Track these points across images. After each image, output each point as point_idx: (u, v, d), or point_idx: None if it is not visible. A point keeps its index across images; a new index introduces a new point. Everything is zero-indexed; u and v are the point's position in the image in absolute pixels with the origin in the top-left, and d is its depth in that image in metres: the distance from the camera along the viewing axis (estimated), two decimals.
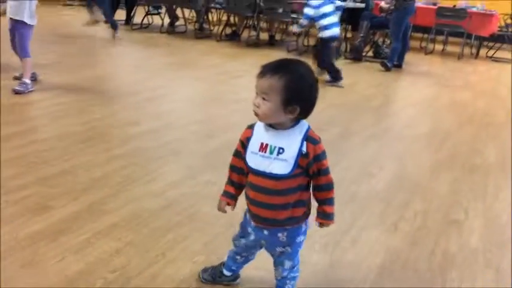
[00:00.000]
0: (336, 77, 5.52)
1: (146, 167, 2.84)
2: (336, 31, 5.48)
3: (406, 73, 6.79)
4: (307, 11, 5.41)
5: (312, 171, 1.51)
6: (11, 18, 4.01)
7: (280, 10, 7.58)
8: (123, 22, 8.60)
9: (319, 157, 1.50)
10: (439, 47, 9.16)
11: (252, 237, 1.66)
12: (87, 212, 2.28)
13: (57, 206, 2.31)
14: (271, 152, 1.49)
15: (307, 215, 1.60)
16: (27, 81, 4.12)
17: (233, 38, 8.24)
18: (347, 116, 4.35)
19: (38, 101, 3.95)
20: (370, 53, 7.81)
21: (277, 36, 8.52)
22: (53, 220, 2.18)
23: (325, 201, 1.59)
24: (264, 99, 1.44)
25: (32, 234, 2.06)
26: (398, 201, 2.71)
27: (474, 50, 9.02)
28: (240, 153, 1.58)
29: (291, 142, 1.48)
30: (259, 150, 1.51)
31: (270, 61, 1.48)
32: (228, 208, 1.65)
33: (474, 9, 8.47)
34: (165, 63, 6.06)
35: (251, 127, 1.57)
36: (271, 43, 8.16)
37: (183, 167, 2.83)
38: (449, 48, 9.20)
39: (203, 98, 4.71)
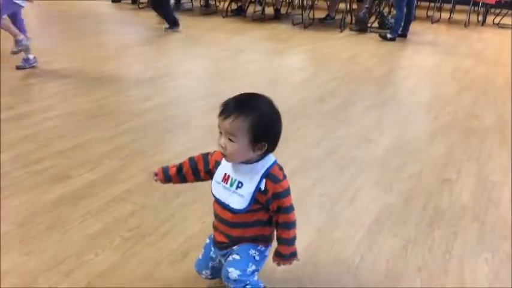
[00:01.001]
0: (173, 24, 6.54)
1: (154, 140, 3.01)
2: None
3: (410, 42, 6.83)
4: None
5: (272, 208, 1.49)
6: None
7: None
8: (130, 1, 8.70)
9: (279, 195, 1.46)
10: (445, 15, 9.13)
11: (214, 256, 1.65)
12: (103, 180, 2.47)
13: (74, 175, 2.50)
14: (231, 185, 1.48)
15: (266, 241, 1.59)
16: (31, 56, 4.34)
17: (239, 13, 8.30)
18: (348, 87, 4.46)
19: (46, 82, 4.13)
20: (376, 24, 7.83)
21: (283, 10, 8.57)
22: (72, 188, 2.38)
23: (281, 240, 1.54)
24: (230, 140, 1.40)
25: (53, 200, 2.26)
26: (395, 165, 2.85)
27: (481, 18, 8.98)
28: (207, 159, 1.59)
29: (251, 177, 1.46)
30: (222, 181, 1.51)
31: (229, 98, 1.44)
32: None
33: None
34: (170, 41, 6.18)
35: None
36: (277, 17, 8.22)
37: (188, 140, 2.99)
38: (456, 16, 9.15)
39: (207, 73, 4.86)
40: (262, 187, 1.45)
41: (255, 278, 1.55)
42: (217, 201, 1.53)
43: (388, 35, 6.81)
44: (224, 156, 1.46)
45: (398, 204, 2.41)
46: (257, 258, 1.56)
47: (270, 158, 1.49)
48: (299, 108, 3.79)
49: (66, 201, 2.25)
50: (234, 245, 1.56)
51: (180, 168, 1.64)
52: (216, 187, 1.53)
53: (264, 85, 4.36)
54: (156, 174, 1.67)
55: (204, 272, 1.68)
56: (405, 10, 6.73)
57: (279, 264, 1.59)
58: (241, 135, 1.39)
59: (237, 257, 1.53)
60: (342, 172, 2.72)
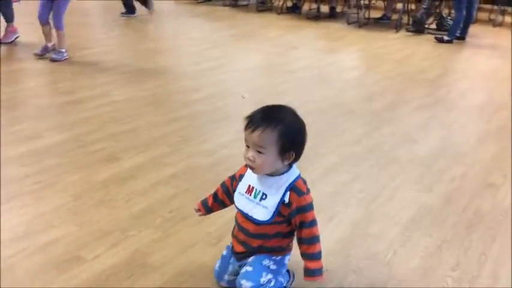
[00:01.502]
0: (130, 11, 6.81)
1: (201, 129, 3.13)
2: None
3: (468, 45, 6.62)
4: None
5: (294, 222, 1.51)
6: None
7: None
8: None
9: (303, 209, 1.48)
10: (509, 19, 8.75)
11: (232, 268, 1.68)
12: (150, 164, 2.60)
13: (124, 157, 2.65)
14: (255, 196, 1.51)
15: (283, 251, 1.61)
16: (63, 49, 4.45)
17: (294, 10, 8.33)
18: (399, 87, 4.41)
19: (105, 70, 4.35)
20: (434, 26, 7.64)
21: (338, 9, 8.52)
22: (121, 169, 2.53)
23: (306, 255, 1.54)
24: (259, 152, 1.43)
25: (104, 179, 2.41)
26: (438, 166, 2.82)
27: None
28: (233, 181, 1.63)
29: (275, 190, 1.48)
30: (246, 192, 1.54)
31: (254, 111, 1.48)
32: None
33: None
34: (226, 35, 6.31)
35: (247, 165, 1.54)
36: (332, 15, 8.18)
37: (233, 131, 3.09)
38: None
39: (259, 68, 4.94)
40: (287, 200, 1.47)
41: (272, 284, 1.56)
42: (241, 212, 1.56)
43: (445, 37, 6.63)
44: (252, 169, 1.48)
45: (438, 205, 2.39)
46: (272, 267, 1.58)
47: (295, 171, 1.52)
48: (346, 105, 3.80)
49: (115, 180, 2.40)
50: (251, 256, 1.59)
51: (215, 196, 1.71)
52: (239, 198, 1.56)
53: (313, 82, 4.40)
54: (198, 210, 1.74)
55: (221, 283, 1.71)
56: (465, 12, 6.54)
57: (311, 283, 1.55)
58: (270, 146, 1.42)
59: (249, 268, 1.56)
60: (382, 170, 2.72)
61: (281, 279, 1.63)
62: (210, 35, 6.35)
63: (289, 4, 8.52)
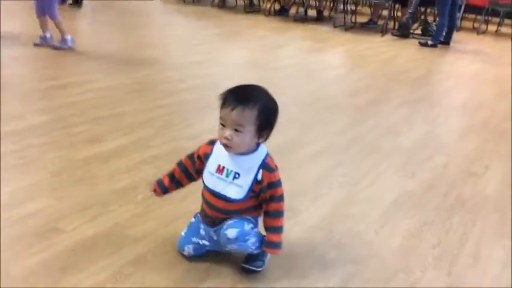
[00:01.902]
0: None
1: (185, 115, 3.13)
2: None
3: (452, 50, 6.73)
4: None
5: (264, 197, 1.54)
6: None
7: None
8: None
9: (274, 184, 1.53)
10: (493, 28, 8.93)
11: (204, 233, 1.67)
12: (134, 145, 2.58)
13: (109, 139, 2.63)
14: (227, 176, 1.52)
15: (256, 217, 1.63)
16: (67, 37, 4.48)
17: (282, 13, 8.39)
18: (383, 85, 4.46)
19: (91, 59, 4.32)
20: (419, 31, 7.75)
21: (325, 13, 8.61)
22: (104, 149, 2.50)
23: (271, 229, 1.58)
24: (237, 130, 1.45)
25: (86, 157, 2.38)
26: (421, 155, 2.85)
27: None
28: (193, 160, 1.64)
29: (248, 169, 1.51)
30: (216, 172, 1.54)
31: (228, 89, 1.49)
32: None
33: None
34: (213, 33, 6.32)
35: (212, 143, 1.59)
36: (319, 19, 8.26)
37: (217, 118, 3.07)
38: (504, 29, 8.94)
39: (245, 63, 4.96)
40: (260, 177, 1.51)
41: (256, 230, 1.60)
42: (211, 192, 1.57)
43: (429, 42, 6.73)
44: (228, 147, 1.49)
45: (419, 190, 2.41)
46: (251, 220, 1.60)
47: (263, 149, 1.56)
48: (330, 99, 3.82)
49: (98, 159, 2.37)
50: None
51: (172, 176, 1.70)
52: (209, 178, 1.56)
53: (298, 78, 4.42)
54: (154, 191, 1.72)
55: (186, 248, 1.67)
56: (448, 17, 6.64)
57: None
58: (249, 124, 1.44)
59: (231, 221, 1.57)
60: (365, 157, 2.74)
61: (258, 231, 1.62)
62: (197, 32, 6.36)
63: (277, 7, 8.59)
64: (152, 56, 4.65)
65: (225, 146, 1.49)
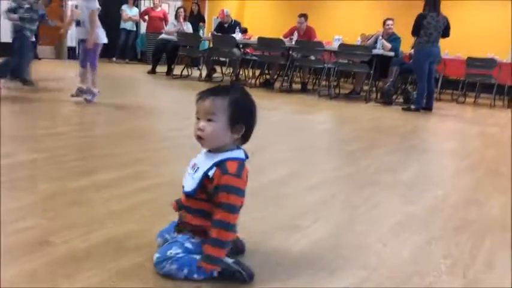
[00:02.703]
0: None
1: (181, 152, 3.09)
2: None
3: (436, 114, 6.90)
4: None
5: (214, 201, 1.45)
6: (82, 40, 4.77)
7: (313, 57, 8.00)
8: (165, 74, 9.22)
9: (221, 188, 1.42)
10: (470, 100, 9.28)
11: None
12: (131, 177, 2.51)
13: (103, 171, 2.56)
14: (192, 169, 1.52)
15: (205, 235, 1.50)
16: (96, 90, 4.81)
17: (267, 86, 8.65)
18: (373, 136, 4.52)
19: (94, 111, 4.35)
20: (401, 99, 8.01)
21: (309, 86, 8.90)
22: (100, 179, 2.42)
23: (208, 239, 1.46)
24: (209, 120, 1.44)
25: (80, 186, 2.30)
26: (419, 188, 2.81)
27: (506, 102, 9.09)
28: None
29: (207, 163, 1.47)
30: (190, 169, 1.54)
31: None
32: None
33: (504, 61, 8.68)
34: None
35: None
36: (304, 90, 8.51)
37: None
38: (481, 101, 9.29)
39: None
40: (211, 174, 1.44)
41: (185, 256, 1.48)
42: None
43: (412, 106, 6.94)
44: (201, 140, 1.47)
45: (422, 214, 2.35)
46: (187, 245, 1.51)
47: (238, 153, 1.49)
48: (322, 146, 3.85)
49: (93, 187, 2.30)
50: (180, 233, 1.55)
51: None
52: (185, 175, 1.56)
53: (287, 130, 4.47)
54: (174, 208, 1.64)
55: (158, 239, 1.65)
56: (426, 83, 6.88)
57: (198, 268, 1.46)
58: (220, 113, 1.44)
59: (166, 243, 1.54)
60: (363, 188, 2.69)
61: (196, 257, 1.48)
62: (183, 99, 6.47)
63: (262, 80, 8.88)
64: (142, 109, 4.70)
65: (199, 138, 1.47)
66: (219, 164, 1.45)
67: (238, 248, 1.66)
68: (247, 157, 1.52)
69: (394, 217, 2.25)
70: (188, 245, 1.51)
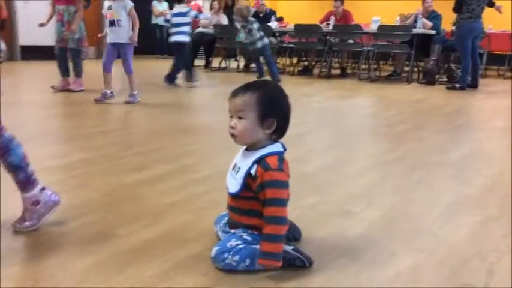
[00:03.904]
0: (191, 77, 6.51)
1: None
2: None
3: (482, 92, 6.70)
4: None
5: (261, 198, 1.45)
6: (113, 43, 4.68)
7: (351, 41, 7.89)
8: (203, 66, 9.31)
9: (265, 185, 1.42)
10: None
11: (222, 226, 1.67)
12: (180, 170, 2.58)
13: (153, 167, 2.63)
14: (234, 169, 1.54)
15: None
16: (135, 92, 4.74)
17: (305, 73, 8.60)
18: (418, 118, 4.43)
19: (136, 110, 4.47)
20: (444, 78, 7.79)
21: (348, 70, 8.78)
22: (151, 175, 2.50)
23: (262, 236, 1.44)
24: (240, 118, 1.45)
25: (133, 181, 2.38)
26: (472, 167, 2.75)
27: None
28: None
29: (247, 163, 1.47)
30: (232, 169, 1.55)
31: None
32: None
33: None
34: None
35: None
36: (343, 75, 8.41)
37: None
38: None
39: None
40: (253, 172, 1.45)
41: (244, 246, 1.48)
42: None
43: (457, 85, 6.74)
44: (234, 137, 1.48)
45: (478, 194, 2.30)
46: (246, 237, 1.51)
47: (276, 147, 1.49)
48: (368, 130, 3.81)
49: (145, 183, 2.37)
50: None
51: None
52: (227, 176, 1.58)
53: (331, 116, 4.44)
54: None
55: (216, 227, 1.71)
56: (470, 60, 6.66)
57: (260, 265, 1.44)
58: (249, 110, 1.44)
59: (224, 236, 1.57)
60: (414, 170, 2.66)
61: (256, 247, 1.47)
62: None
63: (300, 68, 8.83)
64: (180, 106, 4.76)
65: (232, 136, 1.49)
66: (259, 161, 1.45)
67: (294, 235, 1.68)
68: (285, 149, 1.53)
69: (449, 198, 2.22)
70: (247, 237, 1.52)
